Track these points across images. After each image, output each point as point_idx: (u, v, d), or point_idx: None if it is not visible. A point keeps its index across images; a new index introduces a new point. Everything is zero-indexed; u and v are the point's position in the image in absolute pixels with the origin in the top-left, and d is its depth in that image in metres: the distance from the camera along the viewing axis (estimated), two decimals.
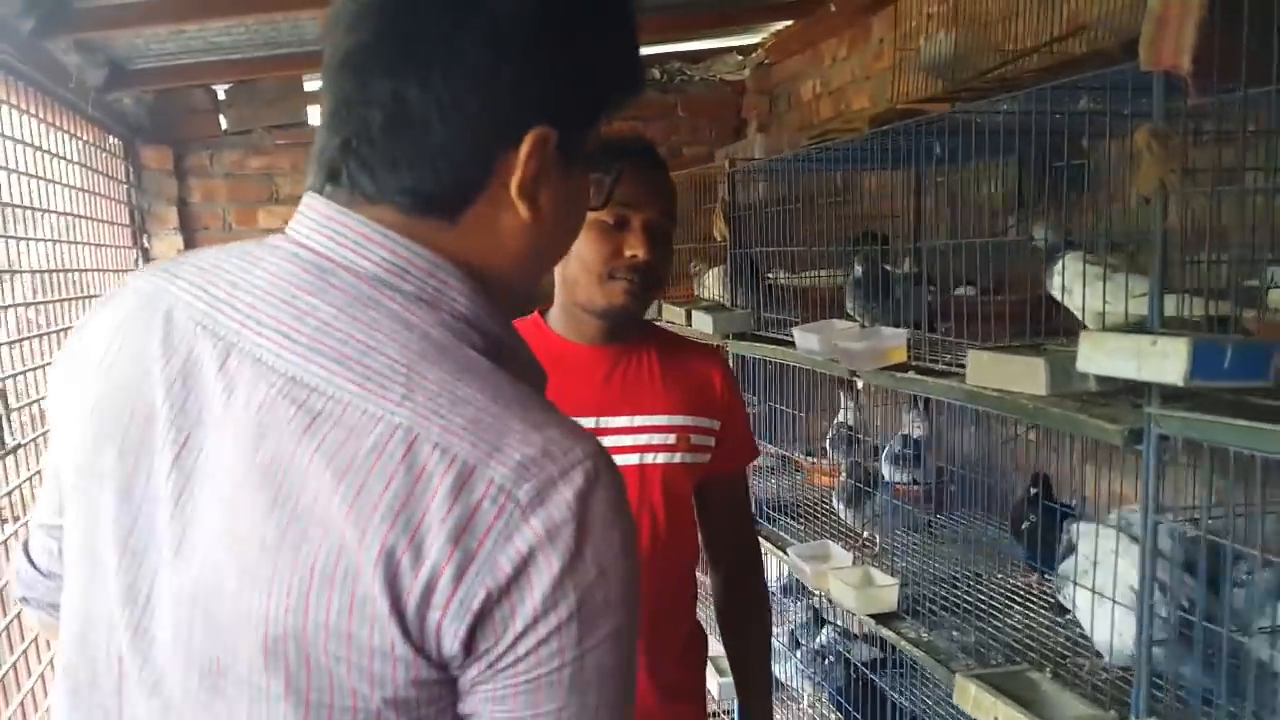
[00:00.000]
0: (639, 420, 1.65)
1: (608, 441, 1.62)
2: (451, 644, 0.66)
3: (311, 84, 4.00)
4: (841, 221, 3.18)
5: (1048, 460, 2.12)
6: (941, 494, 2.63)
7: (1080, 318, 1.51)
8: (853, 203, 3.00)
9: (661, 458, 1.65)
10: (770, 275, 2.96)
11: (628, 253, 1.57)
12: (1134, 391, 1.36)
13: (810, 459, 3.15)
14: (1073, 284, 1.47)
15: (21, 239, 2.40)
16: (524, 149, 0.75)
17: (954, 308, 2.17)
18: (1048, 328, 1.79)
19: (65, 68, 2.78)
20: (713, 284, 3.25)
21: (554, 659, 0.67)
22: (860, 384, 2.14)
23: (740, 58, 4.61)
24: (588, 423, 1.61)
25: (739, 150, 3.95)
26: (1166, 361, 1.16)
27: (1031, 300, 1.87)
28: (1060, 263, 1.54)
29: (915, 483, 2.64)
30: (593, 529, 0.67)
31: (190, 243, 4.00)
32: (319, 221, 0.76)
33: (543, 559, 0.66)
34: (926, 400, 2.66)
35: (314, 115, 4.06)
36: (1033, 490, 1.97)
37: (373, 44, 0.74)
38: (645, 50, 4.20)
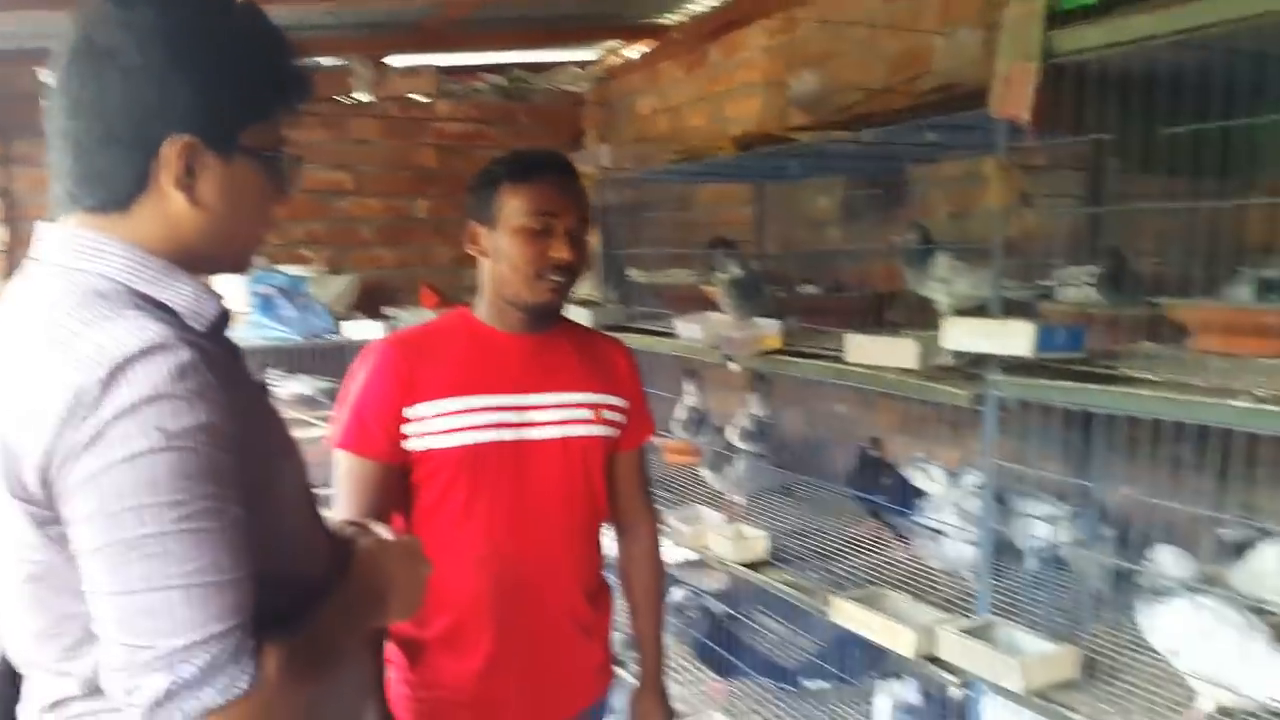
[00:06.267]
0: (560, 398, 1.88)
1: (533, 417, 1.89)
2: None
3: None
4: (686, 228, 3.57)
5: (863, 431, 2.55)
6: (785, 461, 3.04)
7: (943, 304, 1.91)
8: (696, 211, 3.38)
9: (581, 430, 1.89)
10: (628, 274, 3.29)
11: (554, 255, 1.78)
12: (976, 365, 1.77)
13: (663, 437, 3.49)
14: (952, 276, 1.86)
15: None
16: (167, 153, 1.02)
17: (801, 304, 2.60)
18: (879, 320, 2.20)
19: None
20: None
21: None
22: (733, 367, 2.47)
23: (580, 70, 4.90)
24: (514, 400, 1.84)
25: (585, 159, 4.24)
26: (1016, 339, 1.56)
27: (866, 297, 2.30)
28: (938, 260, 1.94)
29: (762, 455, 3.04)
30: None
31: (15, 235, 3.86)
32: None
33: None
34: (762, 380, 3.06)
35: None
36: (872, 453, 2.39)
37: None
38: (488, 58, 4.36)
